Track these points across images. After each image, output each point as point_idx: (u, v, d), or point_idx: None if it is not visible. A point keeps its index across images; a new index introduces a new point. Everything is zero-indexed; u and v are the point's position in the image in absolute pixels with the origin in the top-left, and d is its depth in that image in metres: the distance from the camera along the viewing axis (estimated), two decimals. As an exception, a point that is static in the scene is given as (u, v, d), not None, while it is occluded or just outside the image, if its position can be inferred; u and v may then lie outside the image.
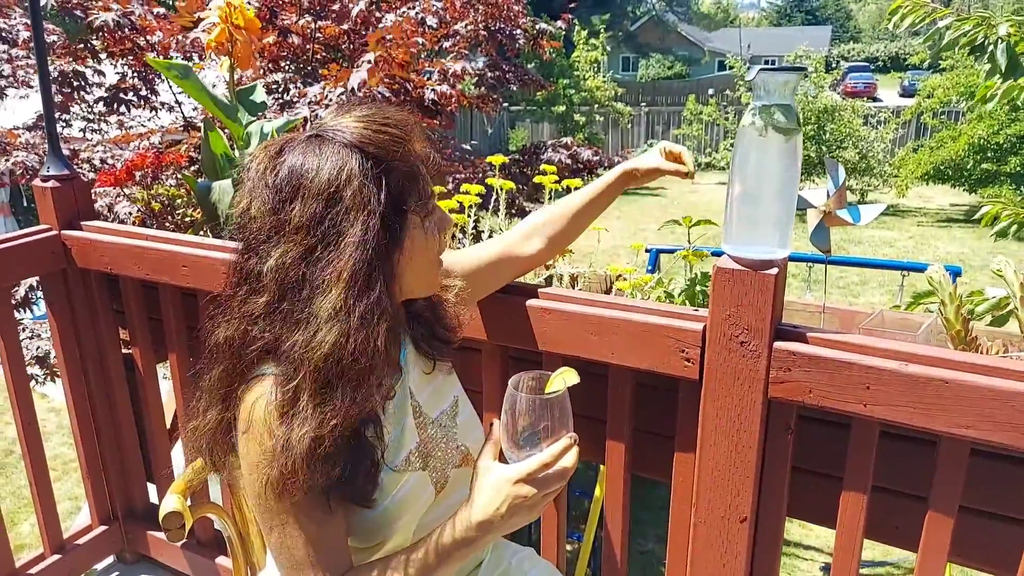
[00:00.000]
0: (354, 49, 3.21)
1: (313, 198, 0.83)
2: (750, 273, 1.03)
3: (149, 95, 3.21)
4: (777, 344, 1.04)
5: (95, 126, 4.04)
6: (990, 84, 2.86)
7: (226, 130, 1.80)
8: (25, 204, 8.86)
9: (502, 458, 0.88)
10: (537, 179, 1.58)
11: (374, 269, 0.83)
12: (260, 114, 1.80)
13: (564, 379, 0.85)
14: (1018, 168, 11.31)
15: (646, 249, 2.98)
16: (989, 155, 11.56)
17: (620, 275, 1.56)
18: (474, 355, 1.38)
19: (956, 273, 3.51)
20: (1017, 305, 1.15)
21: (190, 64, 2.06)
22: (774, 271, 1.02)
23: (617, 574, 1.36)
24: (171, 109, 3.83)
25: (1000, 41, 2.39)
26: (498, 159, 1.66)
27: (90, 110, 3.36)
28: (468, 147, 4.06)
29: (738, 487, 1.11)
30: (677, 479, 1.22)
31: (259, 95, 1.82)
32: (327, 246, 0.83)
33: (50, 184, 1.75)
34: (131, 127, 4.09)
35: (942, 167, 11.92)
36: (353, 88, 2.67)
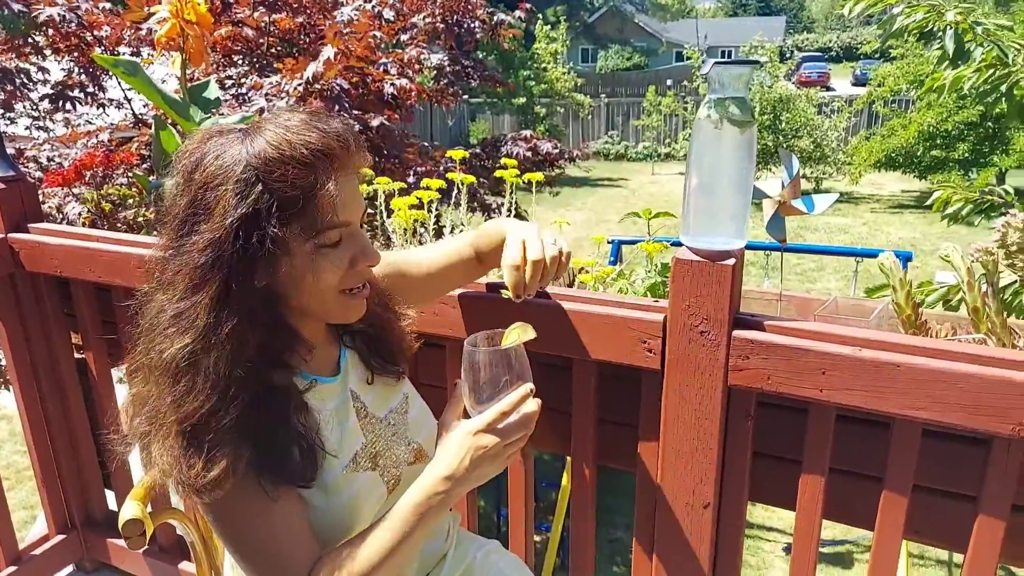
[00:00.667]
0: (310, 42, 3.17)
1: (196, 190, 0.83)
2: (708, 264, 1.04)
3: (97, 92, 3.12)
4: (736, 333, 1.06)
5: (41, 123, 3.92)
6: (937, 75, 2.93)
7: (178, 128, 1.76)
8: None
9: (467, 417, 0.89)
10: (498, 173, 1.58)
11: (205, 277, 0.82)
12: (214, 111, 1.76)
13: (519, 333, 0.86)
14: (966, 154, 11.66)
15: (608, 240, 3.01)
16: (938, 142, 11.89)
17: (583, 268, 1.57)
18: (438, 351, 1.37)
19: (907, 258, 3.61)
20: (964, 290, 1.18)
21: (138, 60, 2.00)
22: (731, 261, 1.04)
23: (585, 564, 1.37)
24: (119, 106, 3.73)
25: (948, 27, 2.46)
26: (458, 153, 1.66)
27: (35, 108, 3.25)
28: (427, 144, 4.03)
29: (701, 474, 1.12)
30: (641, 468, 1.23)
31: (212, 91, 1.78)
32: (180, 242, 0.84)
33: (-5, 186, 1.69)
34: (78, 124, 3.97)
35: (893, 154, 12.23)
36: (308, 79, 2.64)
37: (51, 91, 3.08)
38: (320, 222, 0.85)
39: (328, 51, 2.52)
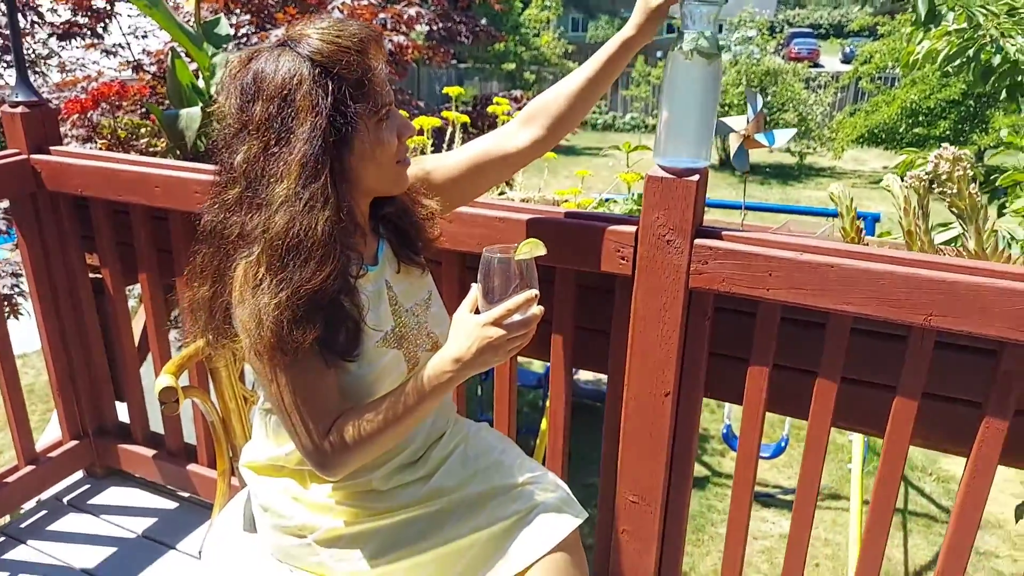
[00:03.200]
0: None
1: (269, 99, 0.96)
2: (676, 180, 1.20)
3: (103, 34, 3.19)
4: (697, 241, 1.22)
5: (37, 69, 3.98)
6: (911, 49, 3.08)
7: (191, 61, 1.88)
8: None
9: (478, 313, 1.04)
10: (490, 109, 1.71)
11: (320, 163, 0.97)
12: (224, 46, 1.88)
13: (531, 248, 1.00)
14: (947, 131, 11.87)
15: (592, 196, 3.16)
16: (920, 119, 12.09)
17: (566, 199, 1.72)
18: (434, 267, 1.52)
19: (875, 219, 3.81)
20: (900, 215, 1.35)
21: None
22: (696, 178, 1.19)
23: (558, 460, 1.54)
24: (114, 54, 3.80)
25: (922, -10, 2.60)
26: (455, 90, 1.79)
27: (44, 46, 3.33)
28: (420, 103, 4.13)
29: (663, 366, 1.29)
30: (612, 365, 1.40)
31: (223, 28, 1.90)
32: (281, 141, 0.97)
33: (19, 110, 1.80)
34: (72, 70, 4.03)
35: (876, 130, 12.42)
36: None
37: (57, 31, 3.15)
38: (377, 100, 1.01)
39: (337, 15, 2.62)
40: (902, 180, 1.38)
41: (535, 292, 1.00)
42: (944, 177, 1.32)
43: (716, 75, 1.19)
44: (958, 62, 2.71)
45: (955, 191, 1.31)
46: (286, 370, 1.00)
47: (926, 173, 1.33)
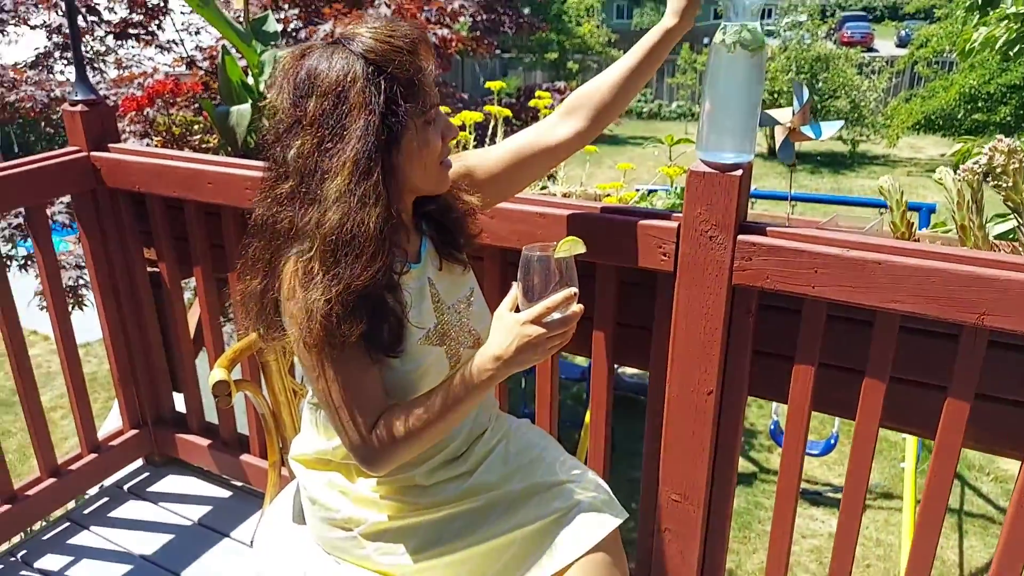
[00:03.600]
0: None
1: (323, 96, 0.98)
2: (719, 175, 1.19)
3: (157, 31, 3.29)
4: (741, 237, 1.21)
5: (95, 64, 4.12)
6: (967, 35, 2.97)
7: (241, 58, 1.93)
8: (16, 151, 8.80)
9: (518, 312, 1.05)
10: (532, 103, 1.71)
11: (372, 160, 0.98)
12: (273, 43, 1.92)
13: (571, 246, 1.00)
14: (1008, 118, 11.39)
15: (635, 189, 3.14)
16: (980, 105, 11.63)
17: (608, 193, 1.72)
18: (475, 262, 1.54)
19: (931, 210, 3.70)
20: (953, 208, 1.31)
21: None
22: (739, 173, 1.18)
23: (600, 458, 1.55)
24: (168, 50, 3.91)
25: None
26: (497, 84, 1.79)
27: (101, 43, 3.45)
28: (464, 95, 4.14)
29: (705, 364, 1.28)
30: (655, 361, 1.39)
31: (271, 25, 1.94)
32: (335, 138, 0.98)
33: (78, 108, 1.87)
34: (129, 66, 4.17)
35: (933, 117, 12.01)
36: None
37: (115, 29, 3.26)
38: (426, 101, 1.02)
39: (384, 10, 2.66)
40: (956, 172, 1.34)
41: (574, 290, 1.01)
42: (999, 170, 1.28)
43: (760, 67, 1.17)
44: (1018, 47, 2.61)
45: (1010, 184, 1.27)
46: (333, 365, 1.03)
47: (980, 166, 1.29)
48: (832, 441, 4.43)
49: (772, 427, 4.63)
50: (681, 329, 1.29)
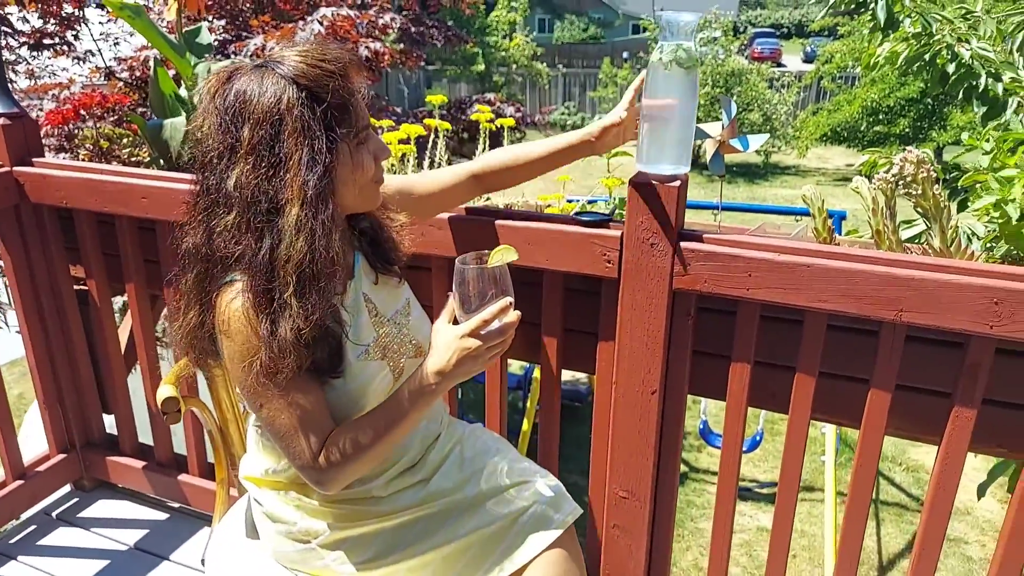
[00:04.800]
0: (285, 0, 3.26)
1: (258, 123, 0.96)
2: (658, 186, 1.25)
3: (72, 42, 3.17)
4: (680, 244, 1.27)
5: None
6: (871, 51, 3.18)
7: (172, 70, 1.89)
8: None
9: (456, 324, 1.07)
10: (473, 116, 1.75)
11: (323, 188, 0.98)
12: (206, 56, 1.89)
13: (503, 254, 1.02)
14: (906, 129, 12.17)
15: (570, 200, 3.22)
16: (880, 117, 12.38)
17: (549, 204, 1.77)
18: (424, 273, 1.56)
19: (841, 217, 3.92)
20: (869, 215, 1.42)
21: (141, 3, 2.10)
22: (677, 183, 1.25)
23: (550, 454, 1.59)
24: (84, 60, 3.77)
25: (881, -1, 2.70)
26: (437, 98, 1.83)
27: (11, 52, 3.29)
28: (397, 110, 4.15)
29: (649, 365, 1.34)
30: (600, 365, 1.45)
31: (204, 37, 1.91)
32: (276, 167, 0.97)
33: (0, 122, 1.80)
34: (40, 78, 3.99)
35: (838, 129, 12.70)
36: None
37: (28, 40, 3.12)
38: (358, 123, 1.03)
39: (317, 26, 2.65)
40: (869, 181, 1.45)
41: (510, 300, 1.03)
42: (909, 179, 1.39)
43: (694, 84, 1.24)
44: (916, 65, 2.83)
45: (920, 192, 1.38)
46: (277, 392, 1.02)
47: (892, 175, 1.40)
48: (758, 438, 4.61)
49: (701, 427, 4.79)
50: (625, 332, 1.34)
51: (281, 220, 0.98)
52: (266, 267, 0.98)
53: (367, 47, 3.07)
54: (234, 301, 1.01)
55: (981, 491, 1.74)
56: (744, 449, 4.61)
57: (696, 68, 1.22)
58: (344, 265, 1.12)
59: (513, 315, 1.04)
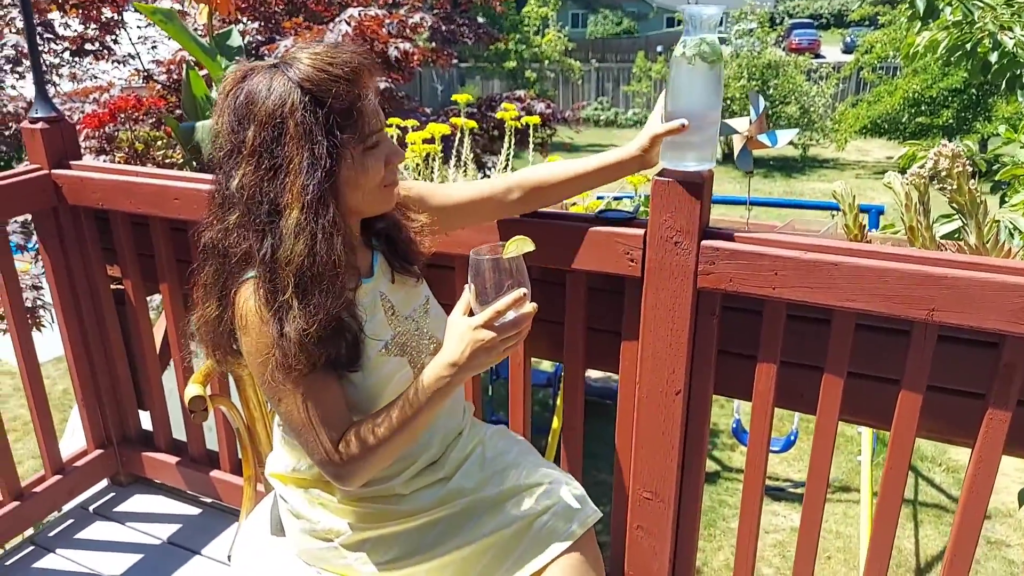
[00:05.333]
0: (317, 2, 3.30)
1: (262, 125, 0.97)
2: (683, 183, 1.23)
3: (112, 46, 3.24)
4: (704, 243, 1.25)
5: (48, 78, 4.03)
6: (911, 40, 3.10)
7: (204, 73, 1.92)
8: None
9: (471, 315, 1.06)
10: (499, 115, 1.75)
11: (324, 191, 0.99)
12: (237, 58, 1.92)
13: (519, 245, 1.01)
14: (950, 121, 11.85)
15: (598, 197, 3.20)
16: (923, 109, 12.07)
17: (574, 202, 1.76)
18: (447, 272, 1.56)
19: (879, 211, 3.84)
20: (902, 211, 1.38)
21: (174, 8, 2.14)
22: (702, 180, 1.23)
23: (576, 460, 1.58)
24: (124, 63, 3.86)
25: (920, -15, 2.63)
26: (464, 96, 1.83)
27: (56, 56, 3.39)
28: (427, 110, 4.17)
29: (673, 365, 1.33)
30: (624, 364, 1.43)
31: (235, 39, 1.94)
32: (277, 170, 0.98)
33: (39, 126, 1.85)
34: (82, 81, 4.09)
35: (879, 121, 12.42)
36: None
37: (71, 45, 3.20)
38: (366, 129, 1.03)
39: (344, 26, 2.67)
40: (903, 176, 1.41)
41: (525, 291, 1.01)
42: (944, 173, 1.35)
43: (718, 78, 1.22)
44: (957, 54, 2.74)
45: (955, 187, 1.34)
46: (295, 387, 1.04)
47: (926, 170, 1.36)
48: (792, 438, 4.54)
49: (734, 425, 4.73)
50: (649, 332, 1.33)
51: (282, 222, 0.99)
52: (270, 267, 1.00)
53: (396, 47, 3.08)
54: (250, 299, 1.03)
55: (1022, 498, 1.69)
56: (778, 449, 4.54)
57: (720, 62, 1.20)
58: (354, 265, 1.12)
59: (529, 306, 1.02)
